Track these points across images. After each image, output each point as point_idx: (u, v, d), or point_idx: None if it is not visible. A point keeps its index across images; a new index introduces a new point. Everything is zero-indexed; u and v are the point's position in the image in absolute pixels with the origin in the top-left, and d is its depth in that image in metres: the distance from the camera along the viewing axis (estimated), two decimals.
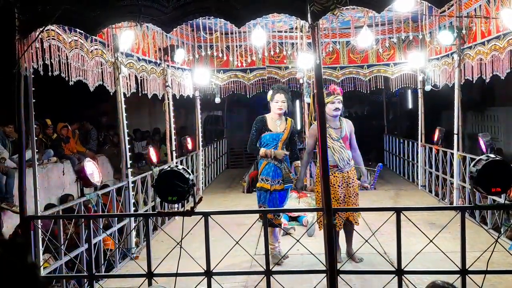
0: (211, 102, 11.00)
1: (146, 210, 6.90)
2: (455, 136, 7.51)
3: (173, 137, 8.11)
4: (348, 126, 5.41)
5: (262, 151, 5.36)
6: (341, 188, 5.24)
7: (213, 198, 9.41)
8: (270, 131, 5.39)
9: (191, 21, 7.63)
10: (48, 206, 6.62)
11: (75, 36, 4.97)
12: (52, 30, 4.51)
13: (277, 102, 5.37)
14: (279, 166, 5.34)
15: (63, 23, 4.29)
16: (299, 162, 5.65)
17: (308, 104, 8.82)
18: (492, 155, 3.83)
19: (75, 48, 5.00)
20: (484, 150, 6.77)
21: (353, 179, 5.30)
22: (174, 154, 8.23)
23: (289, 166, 5.48)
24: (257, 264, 4.21)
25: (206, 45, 8.87)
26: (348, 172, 5.27)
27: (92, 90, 5.60)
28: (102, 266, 5.37)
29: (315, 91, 3.96)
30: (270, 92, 5.52)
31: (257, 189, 5.46)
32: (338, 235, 5.30)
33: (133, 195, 6.27)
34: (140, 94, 7.04)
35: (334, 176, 5.19)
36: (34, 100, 4.39)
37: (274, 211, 5.23)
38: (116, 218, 6.06)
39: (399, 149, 11.88)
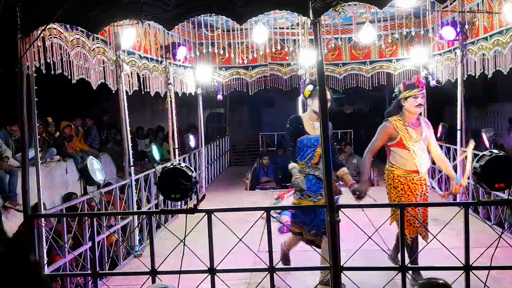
0: (213, 99, 10.99)
1: (149, 208, 6.91)
2: (458, 132, 7.50)
3: (176, 134, 8.12)
4: (427, 126, 4.74)
5: (291, 166, 4.51)
6: (419, 198, 4.59)
7: (216, 195, 9.41)
8: (308, 134, 4.55)
9: (192, 19, 7.62)
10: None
11: (77, 34, 4.97)
12: (54, 28, 4.51)
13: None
14: (321, 177, 4.39)
15: (64, 21, 4.28)
16: (344, 169, 4.70)
17: None
18: (495, 151, 3.81)
19: (77, 46, 5.00)
20: (488, 145, 6.76)
21: (427, 186, 4.74)
22: (177, 152, 8.24)
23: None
24: (261, 261, 4.20)
25: (207, 43, 8.84)
26: (425, 179, 4.70)
27: (94, 88, 5.60)
28: (106, 264, 5.39)
29: (317, 88, 3.93)
30: (309, 87, 4.61)
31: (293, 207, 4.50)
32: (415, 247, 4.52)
33: (136, 193, 6.28)
34: (142, 92, 7.04)
35: (413, 183, 4.57)
36: (36, 99, 4.39)
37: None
38: (119, 216, 6.08)
39: None
